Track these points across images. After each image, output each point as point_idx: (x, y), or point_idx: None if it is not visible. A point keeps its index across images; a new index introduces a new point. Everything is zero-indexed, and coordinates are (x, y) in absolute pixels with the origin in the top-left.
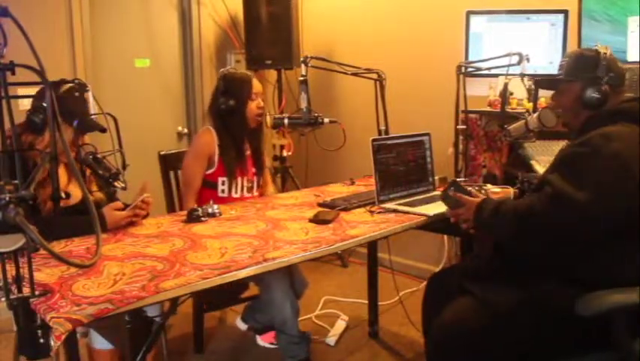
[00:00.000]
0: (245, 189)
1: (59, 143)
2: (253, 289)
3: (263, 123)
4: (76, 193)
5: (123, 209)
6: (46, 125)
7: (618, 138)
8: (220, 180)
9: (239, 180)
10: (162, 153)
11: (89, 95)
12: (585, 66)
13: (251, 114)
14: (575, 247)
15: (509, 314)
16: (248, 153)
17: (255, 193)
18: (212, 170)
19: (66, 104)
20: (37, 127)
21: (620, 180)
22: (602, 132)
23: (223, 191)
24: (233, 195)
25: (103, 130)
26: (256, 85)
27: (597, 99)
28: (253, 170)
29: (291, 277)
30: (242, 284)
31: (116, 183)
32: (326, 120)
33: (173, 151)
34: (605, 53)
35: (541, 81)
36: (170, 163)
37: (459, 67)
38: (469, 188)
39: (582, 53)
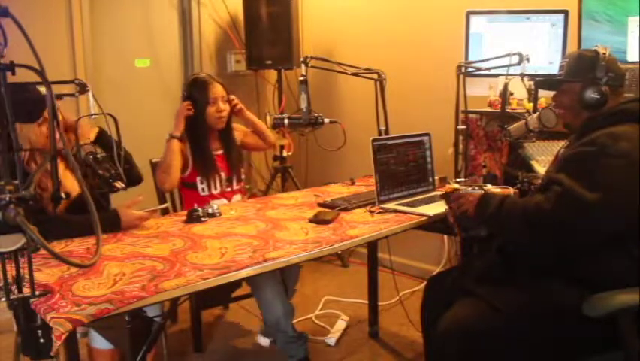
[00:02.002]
0: (223, 185)
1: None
2: (246, 288)
3: (231, 124)
4: (74, 186)
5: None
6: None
7: (626, 137)
8: (198, 179)
9: (216, 177)
10: (154, 160)
11: (89, 95)
12: (585, 67)
13: (210, 118)
14: (581, 247)
15: (513, 315)
16: (219, 152)
17: (236, 187)
18: (188, 172)
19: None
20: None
21: (630, 180)
22: (609, 132)
23: (203, 190)
24: (213, 191)
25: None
26: (215, 90)
27: (597, 100)
28: (228, 167)
29: (282, 273)
30: (234, 282)
31: (116, 184)
32: (326, 120)
33: None
34: (605, 54)
35: (541, 82)
36: None
37: (459, 67)
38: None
39: (582, 54)
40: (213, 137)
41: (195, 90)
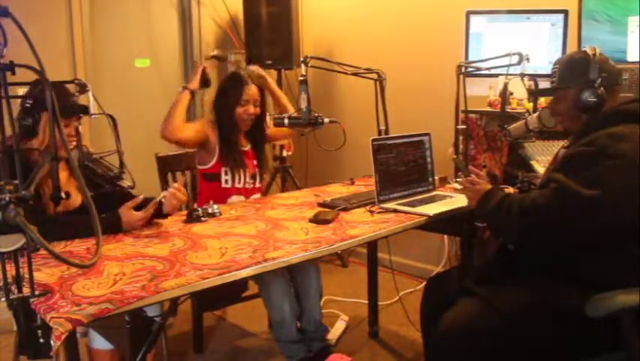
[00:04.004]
0: (248, 182)
1: (59, 140)
2: (253, 288)
3: (264, 124)
4: (77, 195)
5: (142, 205)
6: (37, 124)
7: (626, 138)
8: (223, 170)
9: (241, 171)
10: (160, 155)
11: (89, 95)
12: (577, 71)
13: (239, 118)
14: (579, 245)
15: (514, 316)
16: (247, 148)
17: (258, 185)
18: (213, 162)
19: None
20: (30, 130)
21: (629, 180)
22: (610, 132)
23: (227, 181)
24: (237, 185)
25: (85, 111)
26: (249, 92)
27: (594, 102)
28: (254, 163)
29: (305, 277)
30: (241, 284)
31: (120, 183)
32: (326, 120)
33: (170, 153)
34: (595, 54)
35: (539, 92)
36: (167, 165)
37: (459, 67)
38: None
39: (572, 58)
40: (242, 132)
41: (230, 85)
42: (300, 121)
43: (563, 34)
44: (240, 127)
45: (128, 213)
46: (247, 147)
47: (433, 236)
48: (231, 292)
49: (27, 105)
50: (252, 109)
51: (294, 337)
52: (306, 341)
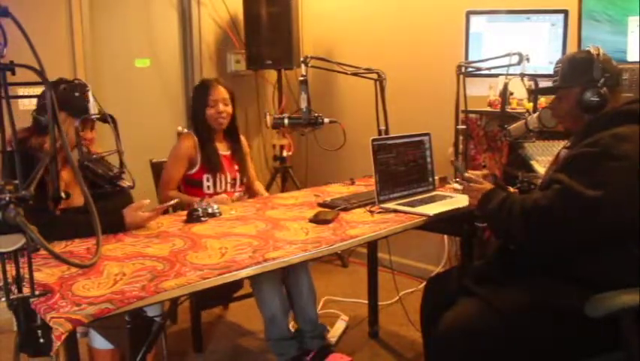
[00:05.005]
0: (229, 185)
1: (61, 139)
2: (246, 288)
3: (237, 126)
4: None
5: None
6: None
7: (629, 138)
8: (205, 176)
9: (222, 176)
10: (154, 160)
11: (89, 95)
12: (580, 70)
13: (210, 120)
14: (580, 246)
15: (514, 316)
16: (227, 153)
17: (238, 189)
18: (195, 169)
19: (69, 98)
20: (44, 127)
21: (631, 181)
22: (613, 133)
23: (209, 187)
24: (218, 190)
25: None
26: (216, 92)
27: (597, 102)
28: (236, 167)
29: (298, 278)
30: (235, 283)
31: (120, 183)
32: (326, 120)
33: (164, 160)
34: (598, 54)
35: (540, 90)
36: (161, 170)
37: (459, 67)
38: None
39: (575, 57)
40: (220, 138)
41: (199, 91)
42: (300, 121)
43: (563, 34)
44: (214, 128)
45: (133, 213)
46: (227, 153)
47: (433, 236)
48: (227, 291)
49: (43, 102)
50: (221, 107)
51: (285, 334)
52: (302, 339)
